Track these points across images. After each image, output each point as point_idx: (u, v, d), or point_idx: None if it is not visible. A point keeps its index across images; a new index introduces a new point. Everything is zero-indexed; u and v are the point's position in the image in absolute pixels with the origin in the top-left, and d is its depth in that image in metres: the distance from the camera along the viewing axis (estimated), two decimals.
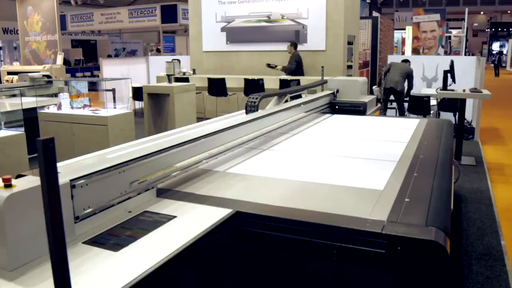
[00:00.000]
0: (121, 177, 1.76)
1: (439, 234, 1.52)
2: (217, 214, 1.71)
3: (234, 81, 8.68)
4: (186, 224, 1.63)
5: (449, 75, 6.09)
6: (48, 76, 7.49)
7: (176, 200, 1.88)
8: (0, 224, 1.27)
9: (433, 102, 7.08)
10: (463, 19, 15.53)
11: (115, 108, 6.03)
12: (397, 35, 19.96)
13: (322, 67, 5.79)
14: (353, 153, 2.75)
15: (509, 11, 33.39)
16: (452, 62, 6.19)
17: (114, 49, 23.03)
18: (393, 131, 3.52)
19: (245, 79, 8.32)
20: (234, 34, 9.80)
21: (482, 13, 34.03)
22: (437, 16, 14.26)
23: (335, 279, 1.66)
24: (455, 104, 6.47)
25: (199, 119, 5.75)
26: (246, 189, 2.06)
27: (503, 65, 29.57)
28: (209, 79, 8.76)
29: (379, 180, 2.15)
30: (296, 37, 9.18)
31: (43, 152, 0.96)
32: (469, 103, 7.53)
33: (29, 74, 7.14)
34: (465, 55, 17.34)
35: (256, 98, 3.26)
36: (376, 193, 1.97)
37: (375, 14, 17.62)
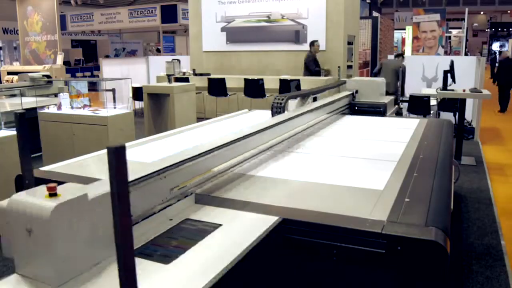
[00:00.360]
0: (163, 183, 1.69)
1: (439, 234, 1.52)
2: (264, 221, 1.63)
3: (234, 81, 8.69)
4: (234, 233, 1.56)
5: (449, 75, 6.09)
6: (48, 76, 7.50)
7: (216, 207, 1.81)
8: (46, 236, 1.17)
9: (433, 102, 7.08)
10: (463, 19, 15.53)
11: (115, 108, 6.03)
12: (397, 35, 19.98)
13: (339, 67, 5.81)
14: (353, 153, 2.75)
15: (509, 11, 33.38)
16: (452, 62, 6.19)
17: (114, 49, 23.02)
18: (393, 131, 3.52)
19: (245, 79, 8.32)
20: (234, 34, 9.80)
21: (482, 13, 34.03)
22: (437, 16, 14.26)
23: (335, 279, 1.65)
24: (455, 104, 6.47)
25: (199, 119, 5.75)
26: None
27: None
28: (209, 79, 8.76)
29: (379, 180, 2.15)
30: (296, 37, 9.18)
31: (115, 160, 0.89)
32: (469, 103, 7.54)
33: (29, 74, 7.14)
34: (465, 55, 17.33)
35: (282, 99, 3.20)
36: (376, 193, 1.97)
37: (375, 14, 17.63)
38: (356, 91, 4.58)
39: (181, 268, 1.32)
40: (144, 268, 1.31)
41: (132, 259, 0.97)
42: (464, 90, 6.03)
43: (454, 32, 20.85)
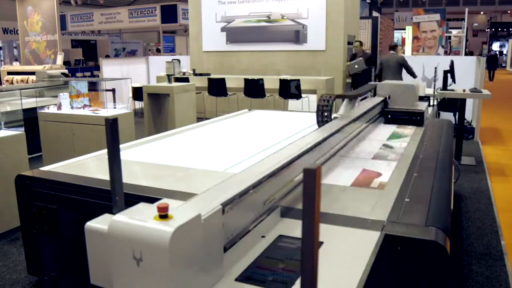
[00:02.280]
0: (257, 197, 1.55)
1: (439, 234, 1.52)
2: (368, 238, 1.50)
3: (234, 81, 8.69)
4: (342, 251, 1.43)
5: (449, 75, 6.09)
6: (65, 75, 7.46)
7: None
8: (162, 265, 1.00)
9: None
10: (463, 19, 15.53)
11: (115, 108, 6.02)
12: (397, 35, 19.98)
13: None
14: (352, 153, 2.75)
15: (509, 11, 33.37)
16: (452, 62, 6.19)
17: (114, 49, 23.02)
18: (393, 131, 3.51)
19: (245, 79, 8.32)
20: (234, 34, 9.80)
21: (482, 13, 34.01)
22: (437, 16, 14.26)
23: None
24: (455, 104, 6.47)
25: (199, 119, 5.75)
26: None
27: (503, 65, 29.56)
28: (209, 79, 8.76)
29: (379, 180, 2.15)
30: (296, 37, 9.18)
31: (314, 181, 0.77)
32: (469, 103, 7.53)
33: (47, 71, 7.07)
34: (465, 55, 17.33)
35: (328, 101, 2.86)
36: (376, 193, 1.97)
37: (375, 14, 17.63)
38: (389, 97, 3.98)
39: None
40: None
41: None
42: (464, 90, 6.03)
43: (454, 32, 20.85)
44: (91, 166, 2.59)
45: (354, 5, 9.53)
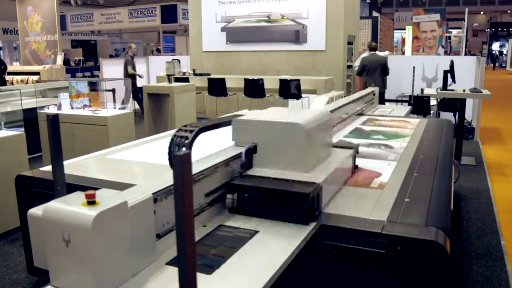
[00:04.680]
0: (197, 188, 1.62)
1: (439, 234, 1.52)
2: (300, 228, 1.59)
3: (234, 81, 8.68)
4: (273, 240, 1.51)
5: (449, 75, 6.09)
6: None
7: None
8: (87, 246, 1.11)
9: (433, 102, 7.08)
10: (463, 19, 15.53)
11: (115, 108, 6.02)
12: (397, 35, 19.96)
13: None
14: None
15: (509, 11, 33.36)
16: (452, 62, 6.19)
17: (114, 49, 23.01)
18: (393, 131, 3.51)
19: (245, 79, 8.32)
20: (234, 34, 9.80)
21: (482, 13, 34.02)
22: (437, 16, 14.26)
23: (335, 279, 1.65)
24: (455, 104, 6.47)
25: (199, 119, 5.75)
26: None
27: (503, 65, 29.55)
28: (209, 79, 8.76)
29: (379, 180, 2.15)
30: (296, 37, 9.18)
31: (181, 167, 0.89)
32: (469, 103, 7.53)
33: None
34: (465, 55, 17.34)
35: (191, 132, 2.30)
36: (376, 193, 1.97)
37: (375, 14, 17.63)
38: (254, 148, 2.09)
39: (225, 278, 1.26)
40: None
41: (194, 274, 0.93)
42: (464, 90, 6.03)
43: (454, 32, 20.85)
44: (91, 166, 2.59)
45: (354, 5, 9.54)
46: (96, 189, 1.25)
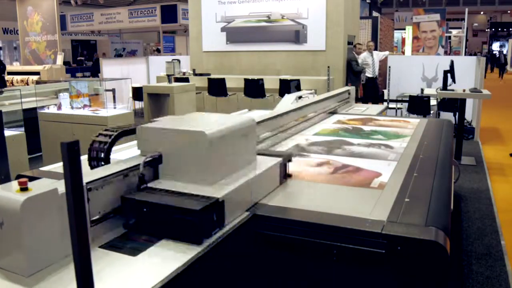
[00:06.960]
0: (129, 179, 1.69)
1: (439, 234, 1.52)
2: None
3: (234, 81, 8.68)
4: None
5: (449, 75, 6.09)
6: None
7: None
8: (17, 228, 1.23)
9: (433, 102, 7.08)
10: (463, 19, 15.53)
11: (115, 108, 6.02)
12: (397, 35, 19.94)
13: (328, 67, 5.80)
14: (352, 153, 2.75)
15: (509, 11, 33.37)
16: (452, 62, 6.19)
17: (114, 49, 23.02)
18: (393, 131, 3.51)
19: (245, 79, 8.32)
20: (234, 34, 9.79)
21: (482, 13, 34.02)
22: (437, 16, 14.26)
23: (335, 279, 1.65)
24: (455, 104, 6.47)
25: None
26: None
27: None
28: (209, 79, 8.76)
29: (379, 180, 2.15)
30: (296, 37, 9.18)
31: (67, 155, 0.94)
32: (469, 103, 7.53)
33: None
34: (465, 55, 17.33)
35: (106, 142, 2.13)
36: (376, 193, 1.97)
37: (375, 14, 17.61)
38: (159, 157, 2.10)
39: (147, 260, 1.37)
40: (113, 261, 1.36)
41: (88, 253, 1.01)
42: (464, 90, 6.03)
43: (454, 32, 20.84)
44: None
45: (354, 5, 9.53)
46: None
